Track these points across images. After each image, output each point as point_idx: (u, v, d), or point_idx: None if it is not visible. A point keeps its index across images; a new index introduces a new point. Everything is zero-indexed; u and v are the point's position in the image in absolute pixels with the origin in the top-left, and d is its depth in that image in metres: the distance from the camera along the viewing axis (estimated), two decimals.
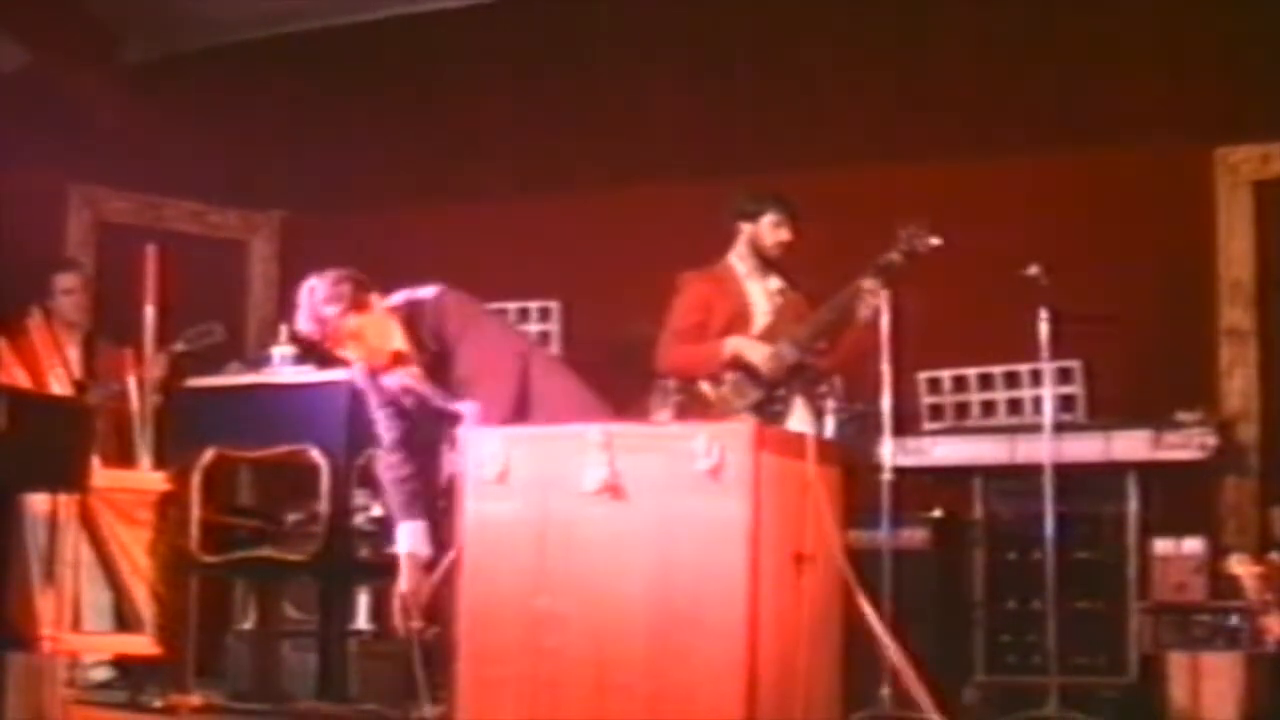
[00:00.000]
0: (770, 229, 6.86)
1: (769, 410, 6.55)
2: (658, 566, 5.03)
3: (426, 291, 5.86)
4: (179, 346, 7.23)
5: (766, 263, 6.87)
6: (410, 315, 5.79)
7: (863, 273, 6.57)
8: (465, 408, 5.66)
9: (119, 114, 9.10)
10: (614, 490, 5.10)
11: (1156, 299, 7.83)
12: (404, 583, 5.81)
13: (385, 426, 5.91)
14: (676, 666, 4.96)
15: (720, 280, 6.86)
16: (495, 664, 5.19)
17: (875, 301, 6.58)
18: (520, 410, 5.67)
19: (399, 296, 5.83)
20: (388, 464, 5.95)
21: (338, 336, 5.72)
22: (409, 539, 5.84)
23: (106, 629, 6.27)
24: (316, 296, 5.69)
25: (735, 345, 6.67)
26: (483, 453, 5.31)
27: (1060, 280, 6.76)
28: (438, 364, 5.77)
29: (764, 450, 5.04)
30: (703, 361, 6.70)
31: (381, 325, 5.73)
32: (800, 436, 5.58)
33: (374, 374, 5.85)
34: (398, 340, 5.74)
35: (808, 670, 5.25)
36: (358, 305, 5.68)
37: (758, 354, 6.63)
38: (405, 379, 5.79)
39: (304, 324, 5.75)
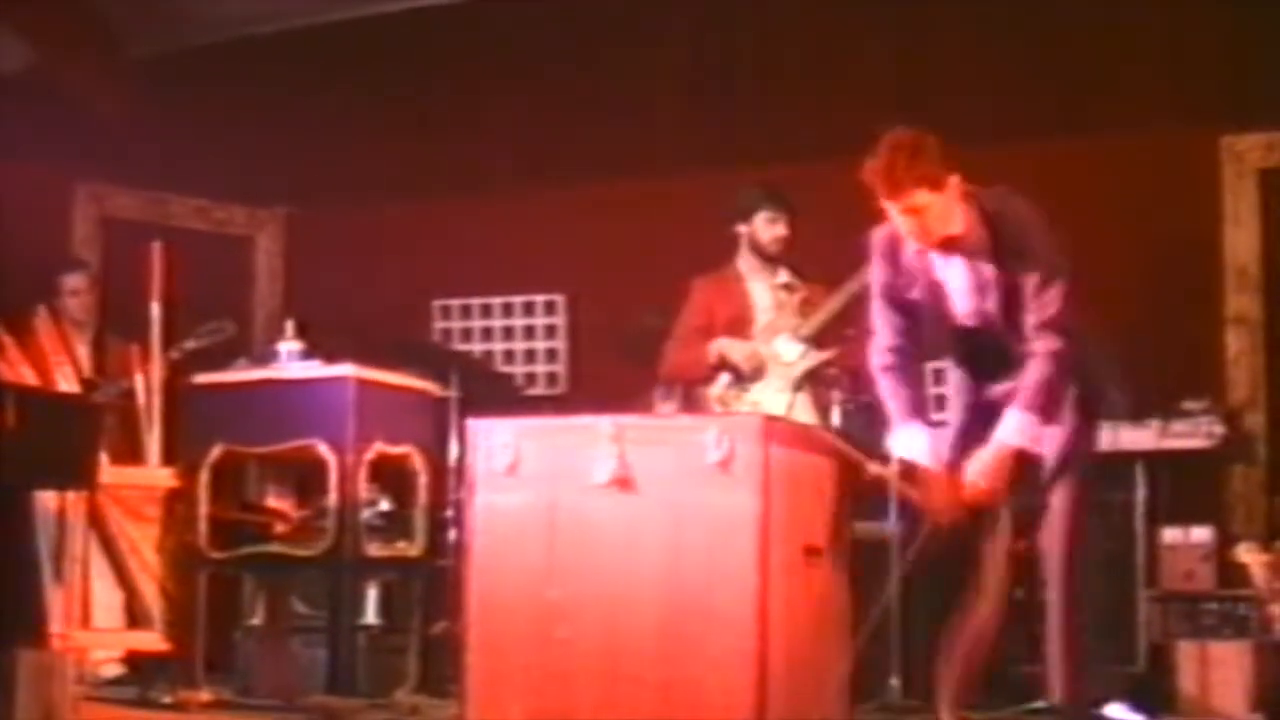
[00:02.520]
0: (765, 226, 6.92)
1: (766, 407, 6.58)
2: (668, 559, 5.05)
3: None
4: (189, 344, 7.25)
5: (770, 259, 6.91)
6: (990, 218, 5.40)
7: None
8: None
9: (124, 111, 9.10)
10: (624, 483, 5.12)
11: (1162, 287, 7.82)
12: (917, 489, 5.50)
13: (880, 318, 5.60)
14: (687, 657, 4.98)
15: (724, 282, 6.95)
16: (505, 655, 5.21)
17: None
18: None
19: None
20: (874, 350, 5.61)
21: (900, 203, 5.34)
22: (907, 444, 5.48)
23: (116, 626, 6.28)
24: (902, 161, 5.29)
25: (720, 346, 6.76)
26: (493, 444, 5.32)
27: None
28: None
29: (773, 443, 5.05)
30: (692, 365, 6.82)
31: (947, 208, 5.32)
32: (810, 429, 5.60)
33: (894, 245, 5.50)
34: (957, 225, 5.35)
35: (818, 661, 5.27)
36: (935, 183, 5.27)
37: (739, 354, 6.71)
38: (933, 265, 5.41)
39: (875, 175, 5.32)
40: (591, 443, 5.18)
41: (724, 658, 4.95)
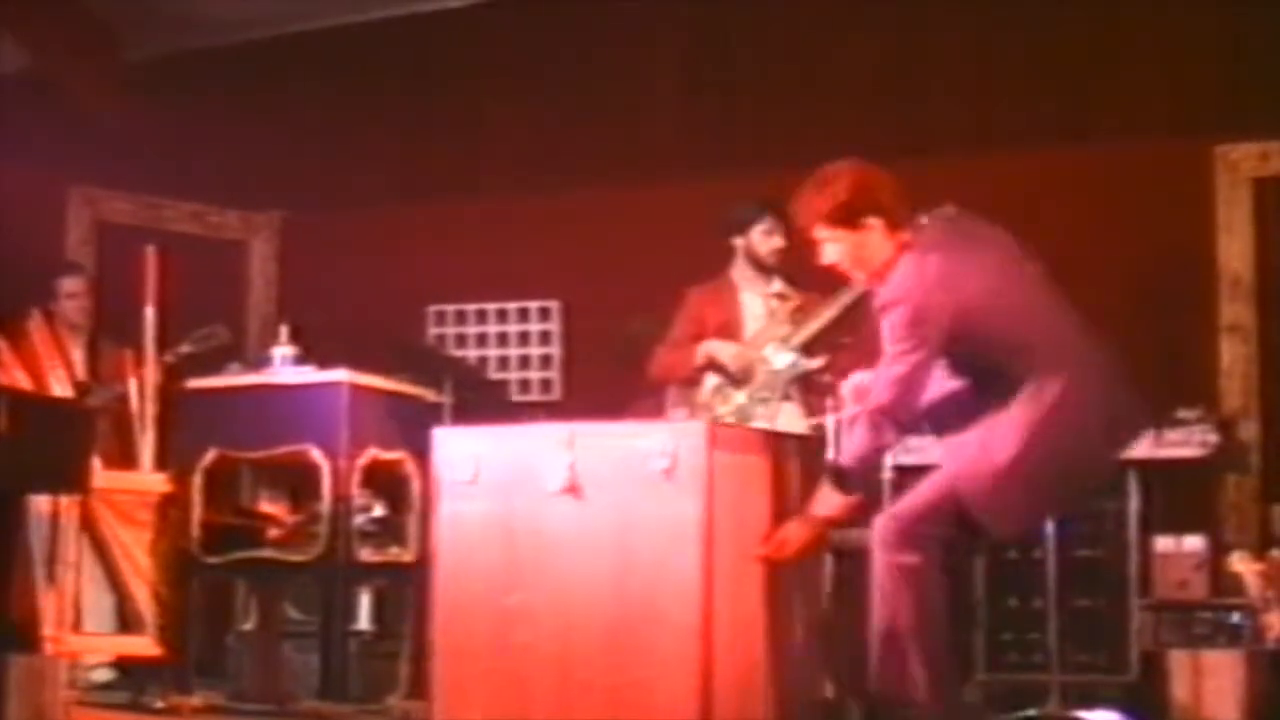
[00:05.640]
0: (762, 238, 6.92)
1: (752, 412, 6.58)
2: (617, 565, 5.10)
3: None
4: (184, 349, 7.24)
5: (767, 269, 6.93)
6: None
7: None
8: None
9: (119, 114, 9.09)
10: (575, 489, 5.14)
11: (1156, 296, 7.82)
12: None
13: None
14: (634, 664, 5.03)
15: (717, 291, 6.98)
16: (467, 661, 5.26)
17: None
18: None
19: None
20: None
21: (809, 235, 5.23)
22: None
23: (108, 630, 6.29)
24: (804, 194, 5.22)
25: (708, 348, 6.77)
26: (455, 454, 5.35)
27: (1059, 277, 6.75)
28: None
29: (718, 449, 5.08)
30: (679, 365, 6.85)
31: (859, 249, 5.13)
32: (761, 433, 5.63)
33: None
34: (865, 268, 5.17)
35: (776, 668, 5.28)
36: (839, 222, 5.11)
37: (726, 353, 6.73)
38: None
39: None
40: (546, 450, 5.21)
41: (670, 663, 4.98)
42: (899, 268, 5.07)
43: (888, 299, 5.04)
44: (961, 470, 5.02)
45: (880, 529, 5.05)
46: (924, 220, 5.18)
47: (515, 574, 5.21)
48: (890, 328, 5.02)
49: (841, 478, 5.13)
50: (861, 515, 5.24)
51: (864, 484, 5.21)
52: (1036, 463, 4.94)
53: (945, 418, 5.16)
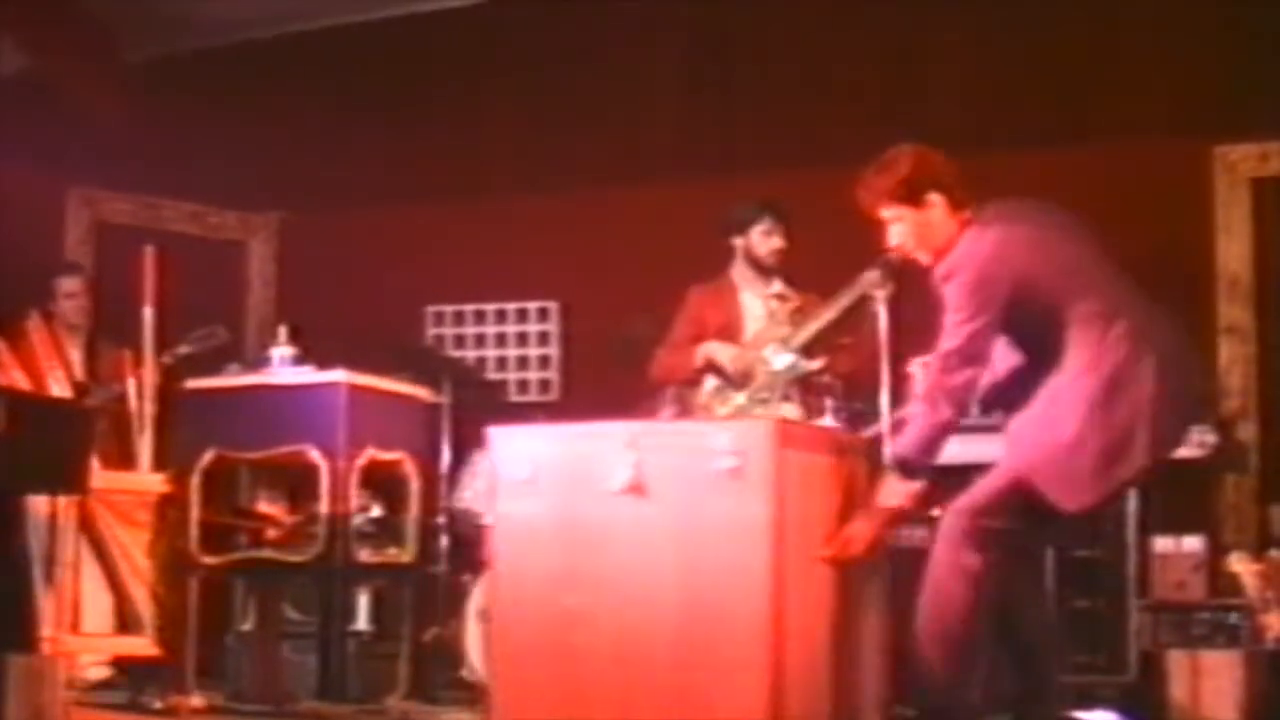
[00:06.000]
0: (761, 238, 6.93)
1: (751, 413, 6.59)
2: (682, 566, 5.04)
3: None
4: (183, 350, 7.24)
5: (766, 270, 6.93)
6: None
7: (866, 268, 6.57)
8: None
9: (118, 115, 9.09)
10: (639, 489, 5.10)
11: (1155, 296, 7.77)
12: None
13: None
14: (701, 666, 4.97)
15: (718, 292, 6.99)
16: (526, 663, 5.20)
17: (882, 295, 6.57)
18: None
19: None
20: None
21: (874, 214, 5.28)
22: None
23: (106, 630, 6.28)
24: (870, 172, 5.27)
25: (707, 349, 6.78)
26: (512, 453, 5.31)
27: None
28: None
29: (787, 448, 5.04)
30: (678, 366, 6.86)
31: (921, 227, 5.22)
32: (827, 431, 5.60)
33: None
34: (928, 247, 5.21)
35: (841, 668, 5.26)
36: (902, 199, 5.20)
37: (725, 355, 6.73)
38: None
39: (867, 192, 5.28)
40: (607, 449, 5.16)
41: (737, 666, 4.93)
42: (959, 243, 5.13)
43: (946, 269, 5.10)
44: (1027, 453, 5.05)
45: (946, 525, 5.08)
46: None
47: (574, 574, 5.16)
48: (949, 298, 5.08)
49: (904, 465, 5.14)
50: (927, 505, 5.27)
51: (928, 470, 5.18)
52: (1101, 429, 4.96)
53: (1012, 395, 5.18)
